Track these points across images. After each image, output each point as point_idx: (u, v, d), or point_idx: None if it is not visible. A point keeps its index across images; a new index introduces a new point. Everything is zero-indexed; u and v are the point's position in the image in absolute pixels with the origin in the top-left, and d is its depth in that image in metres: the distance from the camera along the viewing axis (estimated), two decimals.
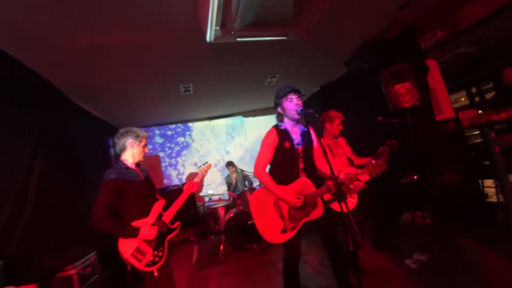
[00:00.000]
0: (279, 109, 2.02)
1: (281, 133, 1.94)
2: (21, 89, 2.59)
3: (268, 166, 2.03)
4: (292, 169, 1.95)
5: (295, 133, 1.98)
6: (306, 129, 2.05)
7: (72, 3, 2.02)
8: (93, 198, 1.88)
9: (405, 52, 3.44)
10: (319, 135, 2.78)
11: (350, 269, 2.41)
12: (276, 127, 2.00)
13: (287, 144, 1.92)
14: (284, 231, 1.86)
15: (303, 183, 1.93)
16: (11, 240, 2.05)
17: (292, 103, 1.90)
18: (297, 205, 1.86)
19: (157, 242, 1.96)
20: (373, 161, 1.98)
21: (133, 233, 1.86)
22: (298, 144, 1.96)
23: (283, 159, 1.94)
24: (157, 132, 6.60)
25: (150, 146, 6.38)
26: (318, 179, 2.01)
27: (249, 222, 3.86)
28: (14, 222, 2.11)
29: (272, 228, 1.87)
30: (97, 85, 3.57)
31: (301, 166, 1.96)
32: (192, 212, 5.43)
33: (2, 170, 2.15)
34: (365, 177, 1.98)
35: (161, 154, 6.54)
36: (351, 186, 2.07)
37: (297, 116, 1.90)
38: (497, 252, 2.42)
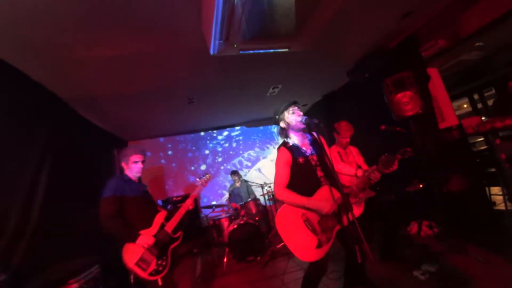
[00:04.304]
0: (282, 124, 1.98)
1: (292, 150, 1.89)
2: (26, 101, 2.63)
3: None
4: (312, 181, 1.88)
5: (305, 145, 1.95)
6: (313, 137, 2.01)
7: (78, 16, 2.08)
8: (98, 210, 1.95)
9: (406, 61, 3.48)
10: (332, 142, 2.82)
11: (357, 281, 2.36)
12: (284, 145, 1.94)
13: (301, 160, 1.87)
14: (319, 245, 1.75)
15: (327, 191, 1.84)
16: (15, 253, 2.05)
17: (295, 114, 1.91)
18: (332, 211, 1.76)
19: (161, 252, 2.02)
20: (382, 157, 1.98)
21: (133, 236, 1.94)
22: (311, 154, 1.92)
23: (301, 175, 1.87)
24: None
25: (162, 161, 6.41)
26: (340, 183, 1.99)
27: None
28: (18, 236, 2.11)
29: (306, 245, 1.76)
30: (101, 97, 3.62)
31: (320, 174, 1.89)
32: (195, 223, 5.39)
33: (8, 183, 2.17)
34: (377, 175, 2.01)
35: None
36: (372, 182, 2.05)
37: (302, 126, 1.88)
38: (507, 260, 2.36)
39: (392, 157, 2.02)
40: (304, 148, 1.93)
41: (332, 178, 1.92)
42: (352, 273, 1.93)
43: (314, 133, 2.04)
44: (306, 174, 1.88)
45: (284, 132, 2.00)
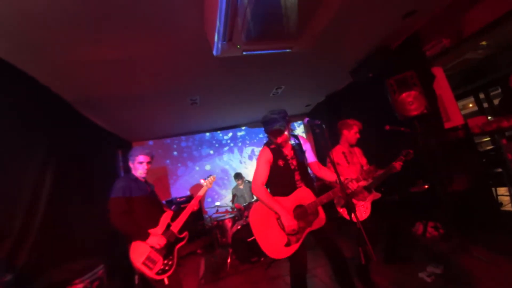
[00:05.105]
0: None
1: (274, 151, 2.00)
2: (31, 103, 2.67)
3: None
4: (290, 182, 1.98)
5: (287, 148, 2.03)
6: (297, 141, 2.09)
7: (82, 18, 2.10)
8: (102, 211, 1.96)
9: (410, 60, 3.45)
10: (335, 142, 2.79)
11: (362, 283, 2.34)
12: (268, 145, 2.05)
13: (280, 162, 1.98)
14: (288, 244, 1.85)
15: (303, 193, 1.95)
16: (21, 253, 2.07)
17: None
18: (292, 231, 1.83)
19: (167, 251, 2.05)
20: (365, 168, 2.00)
21: (143, 235, 1.98)
22: (292, 158, 2.00)
23: (279, 176, 1.99)
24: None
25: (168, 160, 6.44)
26: (315, 188, 2.02)
27: (249, 239, 3.75)
28: (23, 236, 2.13)
29: (275, 243, 1.85)
30: (105, 98, 3.66)
31: (297, 178, 1.99)
32: (199, 224, 5.40)
33: (12, 183, 2.19)
34: (361, 183, 1.99)
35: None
36: (348, 191, 2.03)
37: (283, 144, 2.00)
38: None
39: (374, 169, 2.05)
40: (285, 151, 2.02)
41: (307, 180, 2.00)
42: (340, 274, 1.92)
43: (301, 137, 2.12)
44: (284, 176, 1.98)
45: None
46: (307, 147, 2.11)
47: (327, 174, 2.10)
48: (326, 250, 1.94)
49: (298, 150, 2.05)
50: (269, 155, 1.99)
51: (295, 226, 1.83)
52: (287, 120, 1.97)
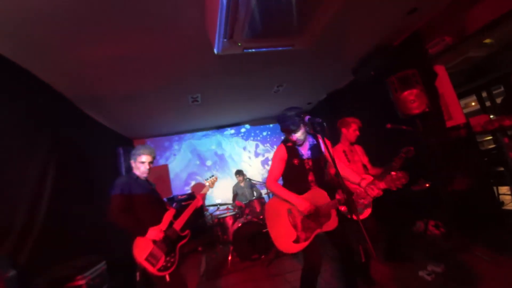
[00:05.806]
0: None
1: (289, 150, 2.00)
2: (33, 100, 2.68)
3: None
4: (303, 182, 1.98)
5: (304, 148, 2.02)
6: (315, 142, 2.05)
7: (84, 16, 2.10)
8: (103, 208, 1.97)
9: (412, 58, 3.43)
10: (336, 141, 2.77)
11: (361, 281, 2.35)
12: (284, 142, 2.05)
13: (296, 161, 1.98)
14: (297, 241, 1.86)
15: (316, 194, 1.93)
16: (24, 249, 2.08)
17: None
18: (308, 212, 1.83)
19: (169, 248, 2.07)
20: (393, 173, 1.87)
21: (143, 231, 1.99)
22: (308, 158, 1.99)
23: (293, 175, 2.00)
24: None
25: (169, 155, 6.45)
26: (329, 190, 1.99)
27: (263, 230, 3.81)
28: (26, 232, 2.15)
29: (285, 237, 1.89)
30: (107, 96, 3.67)
31: (311, 178, 1.98)
32: (200, 221, 5.42)
33: (15, 180, 2.21)
34: (383, 186, 1.88)
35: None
36: (367, 198, 1.98)
37: (300, 142, 1.98)
38: None
39: (403, 175, 1.84)
40: (302, 151, 2.01)
41: (322, 182, 2.00)
42: (351, 273, 1.96)
43: (320, 137, 2.03)
44: (298, 175, 1.99)
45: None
46: (324, 147, 2.05)
47: (351, 174, 2.01)
48: (339, 251, 1.97)
49: (315, 149, 2.03)
50: (283, 153, 2.00)
51: (310, 207, 1.82)
52: (303, 118, 1.92)
